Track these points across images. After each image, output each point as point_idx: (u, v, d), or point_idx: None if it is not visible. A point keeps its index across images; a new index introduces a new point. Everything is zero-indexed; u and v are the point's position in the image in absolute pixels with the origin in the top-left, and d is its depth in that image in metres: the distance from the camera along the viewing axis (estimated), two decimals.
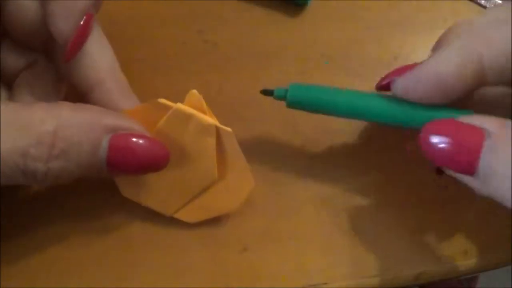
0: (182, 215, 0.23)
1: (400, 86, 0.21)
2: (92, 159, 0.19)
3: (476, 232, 0.24)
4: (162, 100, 0.21)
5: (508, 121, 0.18)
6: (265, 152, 0.25)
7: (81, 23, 0.20)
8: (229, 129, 0.21)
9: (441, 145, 0.19)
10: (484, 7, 0.30)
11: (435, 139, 0.19)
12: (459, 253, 0.24)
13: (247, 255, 0.23)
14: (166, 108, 0.21)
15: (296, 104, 0.22)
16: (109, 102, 0.22)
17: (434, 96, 0.20)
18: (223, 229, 0.24)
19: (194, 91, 0.21)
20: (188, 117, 0.21)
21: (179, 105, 0.21)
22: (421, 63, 0.21)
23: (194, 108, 0.21)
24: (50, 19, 0.20)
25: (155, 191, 0.23)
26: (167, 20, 0.28)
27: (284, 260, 0.23)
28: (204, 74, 0.26)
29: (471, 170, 0.18)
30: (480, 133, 0.18)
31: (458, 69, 0.20)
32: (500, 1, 0.30)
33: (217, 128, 0.21)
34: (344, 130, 0.26)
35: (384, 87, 0.23)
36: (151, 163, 0.20)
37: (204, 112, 0.21)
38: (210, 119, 0.21)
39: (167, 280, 0.23)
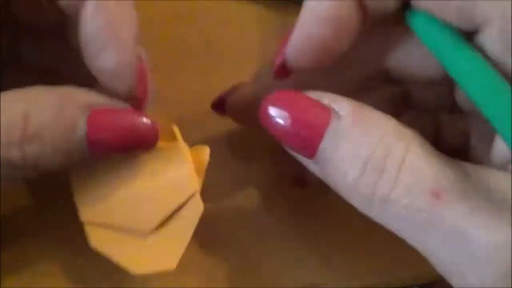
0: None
1: (294, 52, 0.18)
2: (70, 140, 0.17)
3: None
4: (176, 131, 0.20)
5: (366, 107, 0.16)
6: (265, 150, 0.25)
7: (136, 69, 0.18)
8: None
9: (279, 120, 0.16)
10: None
11: (273, 112, 0.17)
12: None
13: (247, 255, 0.23)
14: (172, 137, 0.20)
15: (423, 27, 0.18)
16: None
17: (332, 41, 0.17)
18: (222, 229, 0.24)
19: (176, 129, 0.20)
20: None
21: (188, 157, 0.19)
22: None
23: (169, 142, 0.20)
24: (105, 78, 0.18)
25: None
26: (167, 20, 0.28)
27: (284, 260, 0.23)
28: (204, 74, 0.26)
29: (310, 153, 0.16)
30: (326, 113, 0.16)
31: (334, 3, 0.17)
32: None
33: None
34: None
35: (280, 68, 0.19)
36: (138, 137, 0.18)
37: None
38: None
39: (168, 280, 0.23)
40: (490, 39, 0.16)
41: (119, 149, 0.18)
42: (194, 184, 0.19)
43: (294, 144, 0.17)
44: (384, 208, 0.15)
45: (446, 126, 0.21)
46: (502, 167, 0.16)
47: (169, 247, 0.19)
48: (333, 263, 0.23)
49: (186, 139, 0.25)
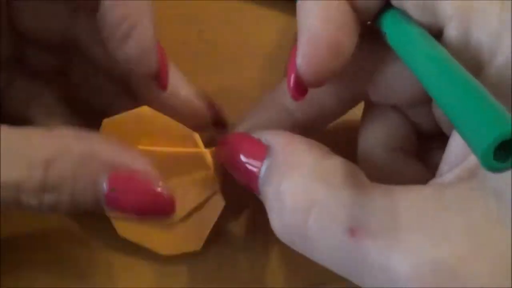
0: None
1: (306, 63, 0.17)
2: (88, 198, 0.17)
3: None
4: (197, 138, 0.20)
5: (296, 140, 0.17)
6: None
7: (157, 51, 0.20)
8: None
9: (229, 160, 0.18)
10: None
11: (223, 153, 0.18)
12: None
13: (247, 255, 0.23)
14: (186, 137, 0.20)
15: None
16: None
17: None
18: (224, 229, 0.24)
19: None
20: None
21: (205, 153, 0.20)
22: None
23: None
24: (131, 64, 0.20)
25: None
26: (167, 20, 0.28)
27: (284, 260, 0.23)
28: (204, 74, 0.26)
29: (255, 190, 0.17)
30: (262, 151, 0.17)
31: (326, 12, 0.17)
32: None
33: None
34: (343, 128, 0.26)
35: (296, 88, 0.18)
36: (153, 211, 0.18)
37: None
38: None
39: (168, 280, 0.23)
40: (449, 38, 0.15)
41: (134, 214, 0.18)
42: (215, 185, 0.21)
43: (242, 181, 0.18)
44: (308, 247, 0.15)
45: (420, 116, 0.20)
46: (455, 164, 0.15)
47: (194, 233, 0.22)
48: None
49: None
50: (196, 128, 0.21)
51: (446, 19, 0.15)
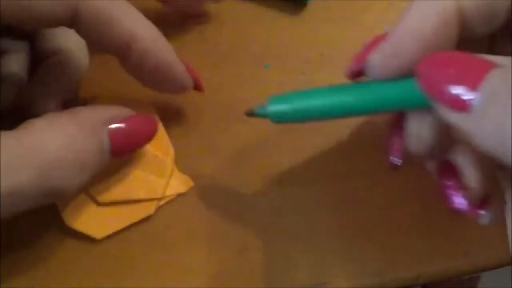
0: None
1: (379, 63, 0.18)
2: (100, 157, 0.20)
3: (477, 232, 0.24)
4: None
5: None
6: (265, 151, 0.25)
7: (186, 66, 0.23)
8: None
9: (442, 73, 0.15)
10: None
11: (435, 69, 0.16)
12: (460, 253, 0.24)
13: (247, 255, 0.23)
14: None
15: (280, 118, 0.20)
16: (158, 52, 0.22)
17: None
18: (223, 229, 0.24)
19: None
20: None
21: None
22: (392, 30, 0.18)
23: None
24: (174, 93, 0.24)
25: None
26: (167, 20, 0.28)
27: (284, 260, 0.23)
28: (204, 74, 0.26)
29: (462, 105, 0.15)
30: (489, 63, 0.15)
31: (440, 23, 0.17)
32: None
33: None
34: (342, 132, 0.26)
35: (356, 72, 0.19)
36: (147, 138, 0.22)
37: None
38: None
39: (167, 280, 0.23)
40: None
41: (135, 150, 0.23)
42: (160, 192, 0.24)
43: (449, 99, 0.15)
44: None
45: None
46: None
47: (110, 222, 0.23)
48: (333, 263, 0.23)
49: (185, 139, 0.25)
50: (177, 92, 0.24)
51: None
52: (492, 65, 0.14)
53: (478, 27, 0.17)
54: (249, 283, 0.23)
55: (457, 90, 0.15)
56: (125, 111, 0.22)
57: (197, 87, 0.24)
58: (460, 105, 0.15)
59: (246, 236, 0.24)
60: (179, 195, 0.24)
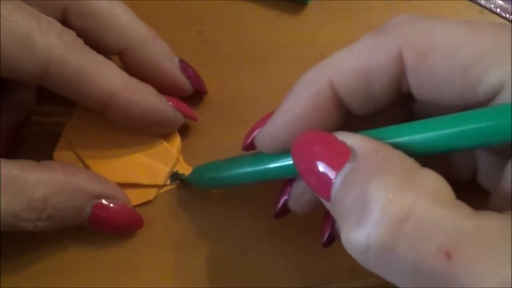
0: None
1: (261, 142, 0.19)
2: (75, 220, 0.21)
3: None
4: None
5: (384, 147, 0.15)
6: None
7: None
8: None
9: (304, 158, 0.16)
10: (484, 7, 0.30)
11: (302, 151, 0.17)
12: None
13: (247, 255, 0.23)
14: None
15: (202, 185, 0.24)
16: (151, 60, 0.23)
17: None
18: (223, 229, 0.24)
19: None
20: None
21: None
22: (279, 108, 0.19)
23: None
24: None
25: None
26: (167, 20, 0.28)
27: (284, 260, 0.23)
28: (204, 74, 0.26)
29: (326, 193, 0.15)
30: (344, 153, 0.15)
31: (313, 106, 0.18)
32: (501, 2, 0.30)
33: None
34: None
35: (249, 146, 0.21)
36: (126, 228, 0.23)
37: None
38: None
39: (167, 280, 0.23)
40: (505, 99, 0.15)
41: (112, 232, 0.23)
42: (162, 179, 0.24)
43: (312, 184, 0.16)
44: (384, 261, 0.14)
45: (454, 161, 0.20)
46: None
47: None
48: (333, 263, 0.23)
49: (185, 139, 0.25)
50: (168, 131, 0.24)
51: (493, 90, 0.15)
52: (348, 154, 0.15)
53: (358, 108, 0.18)
54: (249, 283, 0.23)
55: (321, 168, 0.15)
56: (117, 192, 0.22)
57: (188, 117, 0.24)
58: (322, 188, 0.15)
59: (246, 236, 0.24)
60: (180, 194, 0.24)
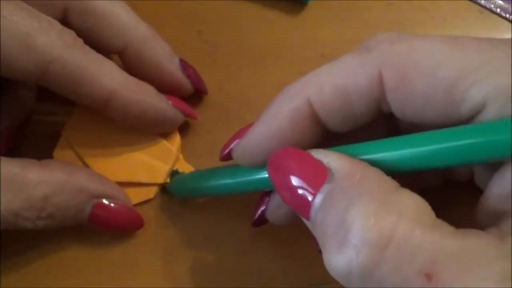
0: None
1: (237, 155, 0.19)
2: (75, 219, 0.21)
3: None
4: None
5: (363, 166, 0.15)
6: None
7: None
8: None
9: (280, 177, 0.16)
10: (484, 7, 0.30)
11: (274, 169, 0.16)
12: None
13: (248, 255, 0.23)
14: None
15: (182, 195, 0.24)
16: (150, 60, 0.23)
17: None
18: (223, 230, 0.24)
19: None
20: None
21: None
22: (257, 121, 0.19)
23: None
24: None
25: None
26: (167, 20, 0.28)
27: (284, 261, 0.23)
28: (204, 74, 0.26)
29: (305, 213, 0.15)
30: (321, 173, 0.15)
31: (290, 123, 0.17)
32: (501, 2, 0.30)
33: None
34: None
35: (226, 157, 0.21)
36: (126, 228, 0.23)
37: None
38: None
39: (167, 281, 0.23)
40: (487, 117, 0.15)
41: (112, 232, 0.23)
42: (162, 177, 0.24)
43: (290, 202, 0.16)
44: (366, 285, 0.14)
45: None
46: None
47: None
48: None
49: (185, 139, 0.25)
50: (168, 130, 0.24)
51: (476, 107, 0.15)
52: (324, 175, 0.15)
53: (336, 126, 0.18)
54: (249, 283, 0.23)
55: (299, 188, 0.15)
56: (117, 192, 0.22)
57: (188, 116, 0.24)
58: (301, 207, 0.15)
59: (246, 236, 0.24)
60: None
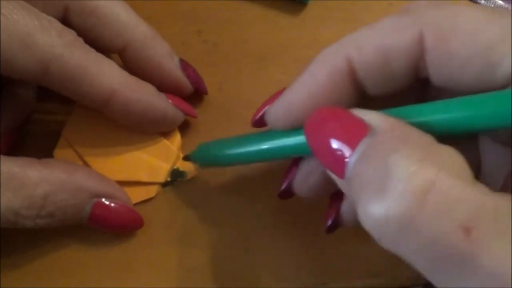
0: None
1: (273, 117, 0.19)
2: (75, 218, 0.21)
3: None
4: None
5: (403, 125, 0.15)
6: None
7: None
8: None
9: (319, 135, 0.16)
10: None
11: (312, 127, 0.16)
12: None
13: (248, 255, 0.23)
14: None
15: (207, 163, 0.23)
16: (149, 60, 0.23)
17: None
18: (224, 229, 0.24)
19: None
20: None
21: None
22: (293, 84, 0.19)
23: None
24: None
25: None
26: (167, 20, 0.28)
27: (284, 260, 0.23)
28: (204, 74, 0.26)
29: (340, 170, 0.15)
30: (362, 129, 0.15)
31: (329, 83, 0.17)
32: (501, 2, 0.30)
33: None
34: None
35: (258, 122, 0.21)
36: (126, 228, 0.23)
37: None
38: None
39: (167, 280, 0.23)
40: None
41: (111, 232, 0.23)
42: (162, 176, 0.24)
43: (327, 161, 0.16)
44: (403, 236, 0.13)
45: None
46: None
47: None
48: (333, 263, 0.23)
49: (185, 139, 0.25)
50: (168, 129, 0.24)
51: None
52: (366, 130, 0.15)
53: (373, 88, 0.18)
54: (249, 283, 0.23)
55: (336, 144, 0.15)
56: (117, 191, 0.22)
57: (188, 114, 0.25)
58: (337, 164, 0.15)
59: (247, 236, 0.24)
60: (180, 193, 0.24)
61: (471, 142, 0.19)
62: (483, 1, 0.30)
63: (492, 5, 0.30)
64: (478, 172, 0.19)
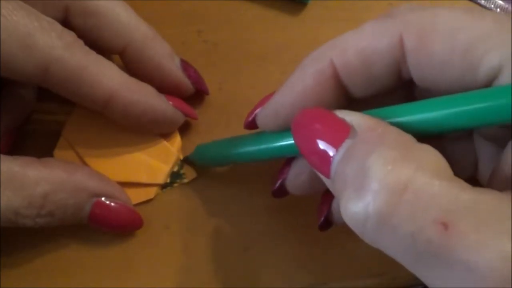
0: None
1: (263, 119, 0.20)
2: (75, 218, 0.21)
3: None
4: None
5: (382, 124, 0.15)
6: None
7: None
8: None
9: (304, 135, 0.16)
10: (484, 7, 0.30)
11: (298, 128, 0.17)
12: None
13: (248, 255, 0.23)
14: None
15: (204, 163, 0.24)
16: (149, 58, 0.23)
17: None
18: (223, 229, 0.24)
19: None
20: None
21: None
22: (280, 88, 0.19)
23: None
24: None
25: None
26: (167, 20, 0.28)
27: (284, 260, 0.23)
28: (204, 74, 0.26)
29: (325, 170, 0.16)
30: (344, 129, 0.15)
31: (315, 85, 0.18)
32: (501, 2, 0.30)
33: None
34: None
35: (250, 124, 0.21)
36: (126, 228, 0.23)
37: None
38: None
39: (167, 280, 0.23)
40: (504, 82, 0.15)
41: (112, 231, 0.23)
42: (161, 178, 0.24)
43: (313, 161, 0.16)
44: (382, 232, 0.14)
45: (454, 158, 0.19)
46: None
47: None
48: (333, 263, 0.23)
49: (185, 139, 0.25)
50: (168, 130, 0.24)
51: (492, 72, 0.15)
52: (348, 131, 0.15)
53: (357, 90, 0.18)
54: (249, 283, 0.23)
55: (321, 145, 0.16)
56: (117, 191, 0.22)
57: (189, 116, 0.24)
58: (322, 164, 0.16)
59: (246, 236, 0.24)
60: (180, 194, 0.24)
61: (467, 141, 0.19)
62: (483, 1, 0.30)
63: (492, 5, 0.30)
64: (475, 170, 0.19)
